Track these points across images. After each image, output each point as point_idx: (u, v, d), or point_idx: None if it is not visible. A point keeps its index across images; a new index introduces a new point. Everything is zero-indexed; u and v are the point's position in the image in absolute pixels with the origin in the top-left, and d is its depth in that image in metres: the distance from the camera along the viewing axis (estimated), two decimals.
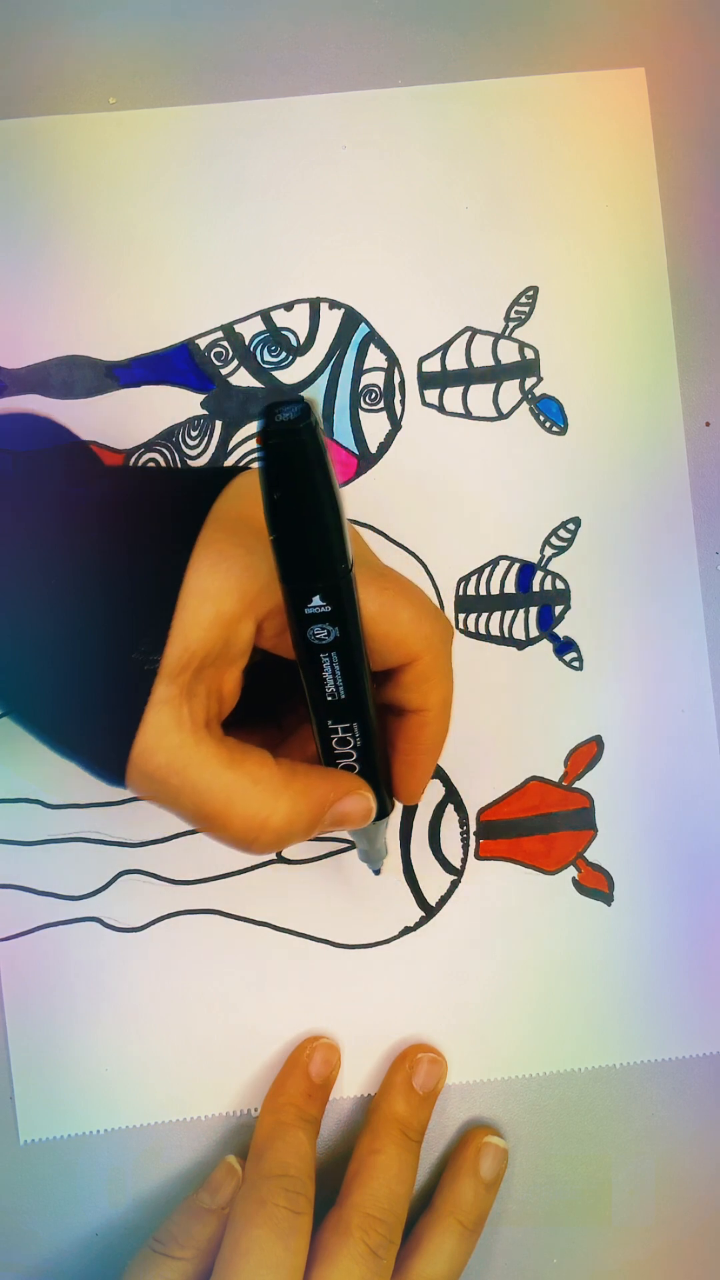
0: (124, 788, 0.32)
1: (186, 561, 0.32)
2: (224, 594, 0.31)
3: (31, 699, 0.33)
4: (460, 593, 0.43)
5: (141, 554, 0.32)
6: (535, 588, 0.43)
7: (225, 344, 0.42)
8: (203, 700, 0.32)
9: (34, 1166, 0.42)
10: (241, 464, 0.42)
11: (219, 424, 0.42)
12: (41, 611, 0.32)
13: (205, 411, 0.42)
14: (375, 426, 0.43)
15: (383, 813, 0.36)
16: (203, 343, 0.42)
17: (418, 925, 0.43)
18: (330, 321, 0.43)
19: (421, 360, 0.43)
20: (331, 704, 0.32)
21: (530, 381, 0.43)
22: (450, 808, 0.43)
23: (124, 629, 0.31)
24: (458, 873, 0.43)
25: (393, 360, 0.43)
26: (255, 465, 0.35)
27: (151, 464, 0.42)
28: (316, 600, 0.29)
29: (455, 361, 0.43)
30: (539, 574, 0.43)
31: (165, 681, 0.31)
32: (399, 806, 0.42)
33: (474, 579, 0.43)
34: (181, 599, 0.31)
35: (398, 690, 0.35)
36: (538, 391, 0.43)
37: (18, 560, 0.32)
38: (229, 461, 0.42)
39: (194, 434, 0.42)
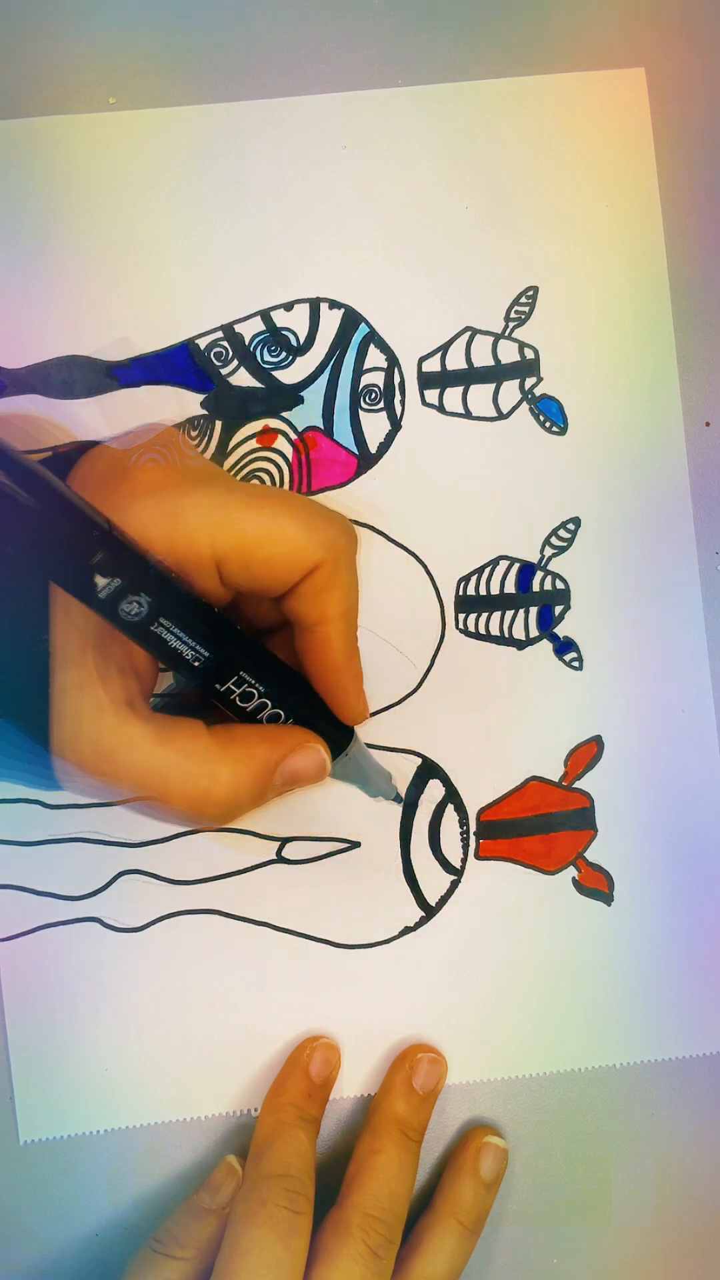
0: (61, 789, 0.31)
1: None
2: None
3: None
4: (460, 593, 0.43)
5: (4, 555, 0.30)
6: (535, 588, 0.43)
7: (225, 344, 0.42)
8: (118, 679, 0.31)
9: (34, 1166, 0.42)
10: (237, 466, 0.42)
11: (219, 424, 0.42)
12: None
13: (205, 411, 0.42)
14: (375, 426, 0.43)
15: (338, 750, 0.34)
16: (202, 342, 0.42)
17: (418, 925, 0.43)
18: (330, 321, 0.43)
19: (421, 360, 0.43)
20: (203, 669, 0.30)
21: (530, 381, 0.43)
22: (450, 808, 0.43)
23: (17, 616, 0.30)
24: (458, 873, 0.43)
25: (393, 360, 0.43)
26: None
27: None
28: (98, 578, 0.27)
29: (455, 361, 0.43)
30: (539, 574, 0.43)
31: (70, 666, 0.30)
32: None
33: (474, 579, 0.43)
34: (52, 591, 0.29)
35: (295, 603, 0.33)
36: (538, 391, 0.43)
37: None
38: (228, 462, 0.42)
39: (194, 434, 0.42)
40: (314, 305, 0.43)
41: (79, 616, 0.30)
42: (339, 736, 0.36)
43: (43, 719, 0.30)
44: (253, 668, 0.31)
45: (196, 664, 0.30)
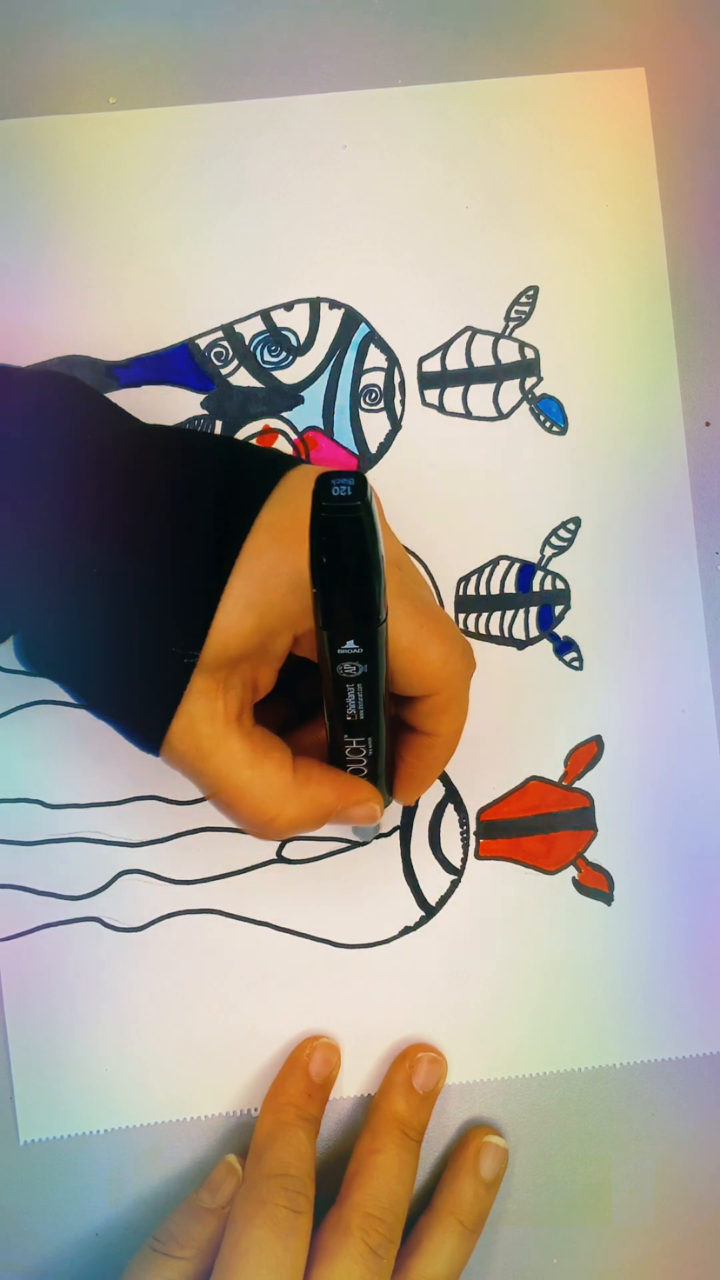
0: (157, 756, 0.35)
1: (232, 566, 0.33)
2: (267, 607, 0.33)
3: (75, 668, 0.35)
4: (460, 593, 0.43)
5: (186, 546, 0.33)
6: (535, 588, 0.43)
7: (225, 344, 0.43)
8: (237, 693, 0.34)
9: (34, 1166, 0.42)
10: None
11: (219, 424, 0.42)
12: (85, 582, 0.33)
13: (205, 411, 0.42)
14: (375, 426, 0.43)
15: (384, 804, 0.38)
16: (203, 342, 0.42)
17: (418, 925, 0.43)
18: (330, 321, 0.43)
19: (422, 360, 0.43)
20: (350, 723, 0.34)
21: (530, 381, 0.43)
22: (450, 808, 0.43)
23: (166, 617, 0.33)
24: (458, 872, 0.43)
25: (393, 360, 0.43)
26: (303, 465, 0.35)
27: None
28: (350, 645, 0.31)
29: (455, 361, 0.43)
30: (539, 574, 0.43)
31: (203, 674, 0.33)
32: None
33: (474, 579, 0.43)
34: (223, 604, 0.33)
35: (415, 714, 0.36)
36: (538, 391, 0.43)
37: (59, 521, 0.33)
38: None
39: None
40: (314, 305, 0.43)
41: (234, 643, 0.33)
42: (386, 800, 0.39)
43: (102, 691, 0.34)
44: (378, 739, 0.35)
45: (350, 719, 0.34)
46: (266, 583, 0.33)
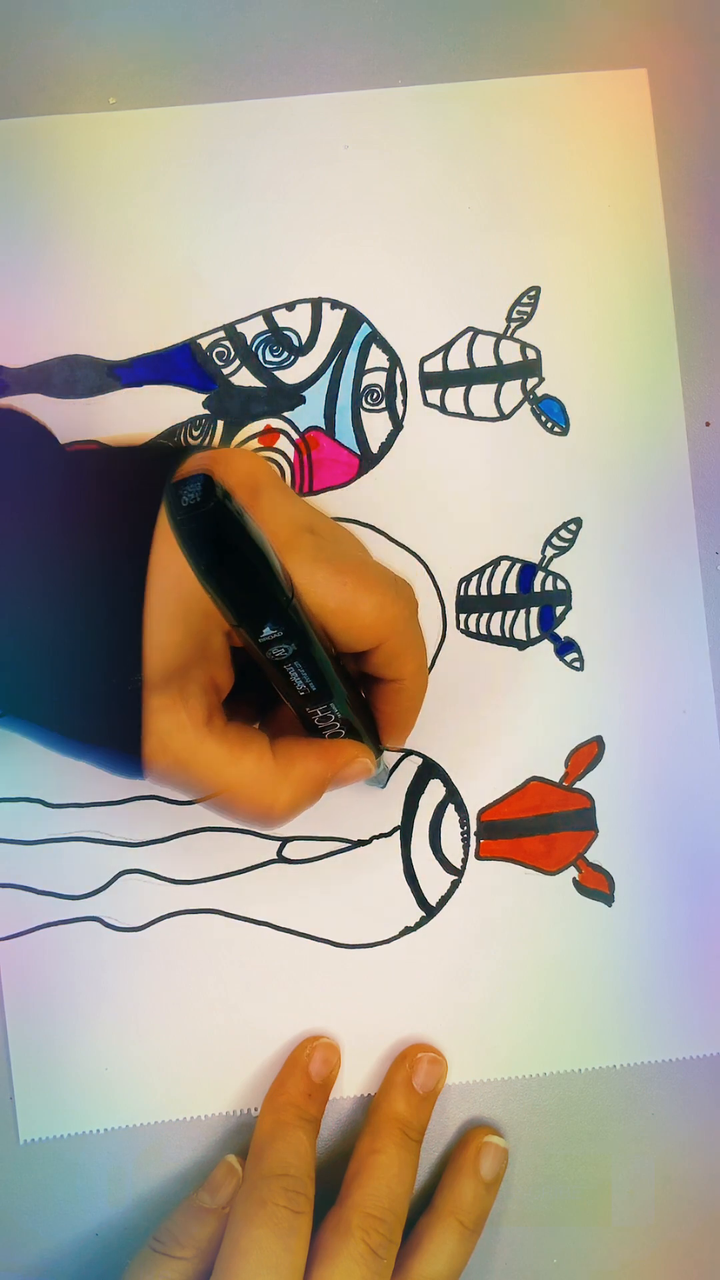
0: (144, 780, 0.35)
1: (143, 583, 0.33)
2: (187, 615, 0.33)
3: (34, 721, 0.35)
4: (461, 593, 0.43)
5: (99, 574, 0.33)
6: (536, 588, 0.43)
7: (227, 343, 0.42)
8: (199, 699, 0.34)
9: (34, 1166, 0.42)
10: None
11: (221, 423, 0.42)
12: (21, 614, 0.33)
13: (207, 411, 0.42)
14: (377, 426, 0.43)
15: (375, 756, 0.39)
16: (205, 342, 0.42)
17: (418, 925, 0.43)
18: (332, 321, 0.43)
19: (423, 360, 0.43)
20: (305, 696, 0.34)
21: (532, 382, 0.43)
22: (451, 808, 0.43)
23: (99, 648, 0.33)
24: (458, 873, 0.43)
25: (394, 360, 0.43)
26: (195, 457, 0.35)
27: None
28: (267, 630, 0.31)
29: (457, 362, 0.43)
30: (540, 574, 0.43)
31: (155, 693, 0.33)
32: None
33: (475, 579, 0.43)
34: (146, 623, 0.33)
35: (373, 666, 0.36)
36: (539, 392, 0.43)
37: None
38: None
39: (196, 434, 0.42)
40: (316, 305, 0.43)
41: (170, 656, 0.33)
42: (378, 750, 0.39)
43: (128, 748, 0.34)
44: (340, 700, 0.35)
45: (303, 693, 0.34)
46: (179, 591, 0.33)
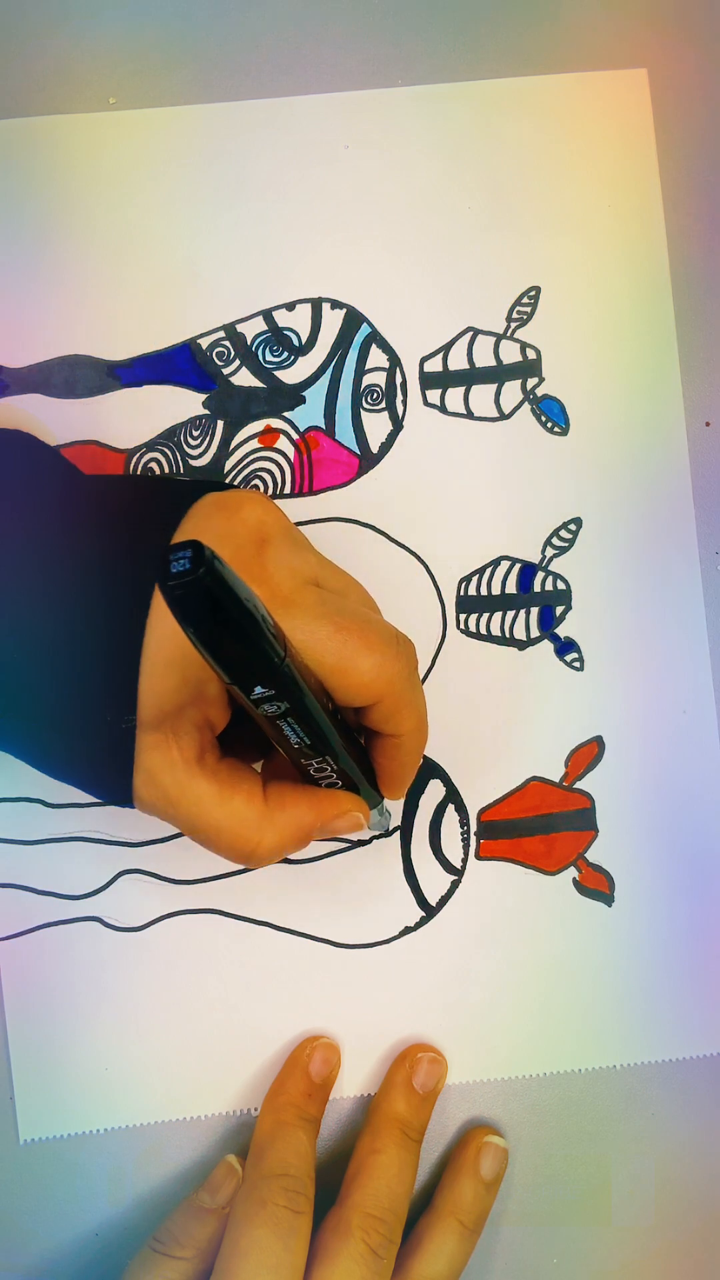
0: (133, 808, 0.36)
1: (144, 624, 0.33)
2: (185, 662, 0.33)
3: (29, 748, 0.35)
4: (461, 593, 0.43)
5: (101, 611, 0.33)
6: (536, 588, 0.43)
7: (227, 343, 0.42)
8: (191, 737, 0.34)
9: (34, 1166, 0.42)
10: (238, 466, 0.42)
11: (221, 424, 0.42)
12: (18, 646, 0.33)
13: (207, 411, 0.42)
14: (377, 426, 0.43)
15: (372, 805, 0.38)
16: (205, 342, 0.42)
17: (418, 925, 0.43)
18: (332, 321, 0.43)
19: (423, 360, 0.43)
20: (299, 749, 0.34)
21: (532, 382, 0.43)
22: (450, 808, 0.43)
23: (98, 690, 0.33)
24: (458, 873, 0.43)
25: (394, 360, 0.43)
26: (209, 495, 0.35)
27: (153, 464, 0.42)
28: (259, 690, 0.30)
29: (457, 362, 0.43)
30: (540, 574, 0.43)
31: (147, 730, 0.34)
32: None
33: (475, 579, 0.43)
34: (144, 666, 0.33)
35: (371, 720, 0.36)
36: (539, 392, 0.43)
37: None
38: (230, 463, 0.42)
39: (196, 434, 0.42)
40: (316, 305, 0.43)
41: (167, 700, 0.33)
42: (375, 799, 0.38)
43: (118, 782, 0.35)
44: (336, 753, 0.35)
45: (298, 747, 0.34)
46: (178, 639, 0.33)
